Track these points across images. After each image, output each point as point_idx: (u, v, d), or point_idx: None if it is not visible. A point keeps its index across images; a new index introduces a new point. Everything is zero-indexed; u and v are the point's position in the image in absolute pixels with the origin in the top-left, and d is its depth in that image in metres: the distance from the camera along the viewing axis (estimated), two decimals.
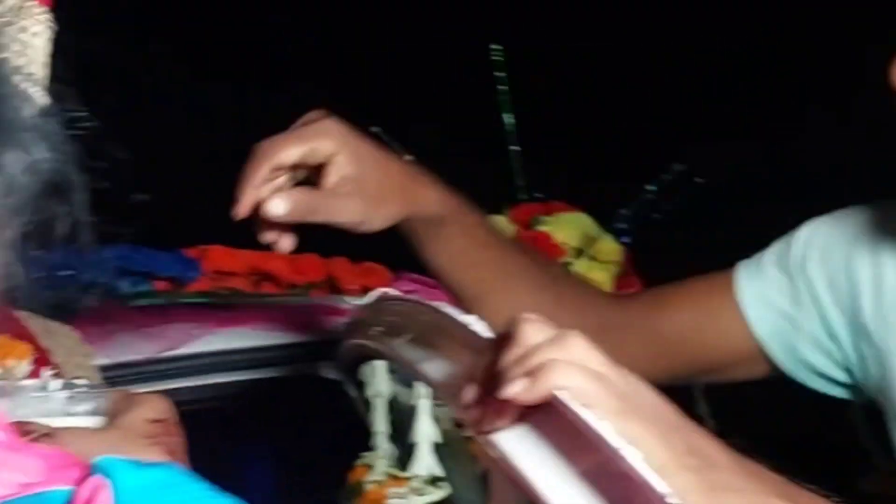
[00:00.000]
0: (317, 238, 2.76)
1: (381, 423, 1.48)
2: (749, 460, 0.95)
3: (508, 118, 2.54)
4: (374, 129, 2.57)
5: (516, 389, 0.87)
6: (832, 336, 1.37)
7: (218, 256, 2.64)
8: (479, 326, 1.03)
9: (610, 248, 2.39)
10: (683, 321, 1.46)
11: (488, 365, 0.94)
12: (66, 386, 1.04)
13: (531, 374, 0.88)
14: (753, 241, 2.75)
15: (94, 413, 1.03)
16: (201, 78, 3.15)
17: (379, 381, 1.49)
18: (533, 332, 0.92)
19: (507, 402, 0.89)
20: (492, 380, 0.93)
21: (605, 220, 2.46)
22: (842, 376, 1.40)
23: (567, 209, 2.48)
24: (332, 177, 1.35)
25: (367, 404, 1.56)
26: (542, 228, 2.41)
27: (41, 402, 1.02)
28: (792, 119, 2.83)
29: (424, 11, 3.20)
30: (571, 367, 0.88)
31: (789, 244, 1.42)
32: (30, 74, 0.83)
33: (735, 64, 3.02)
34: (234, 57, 3.21)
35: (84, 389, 1.04)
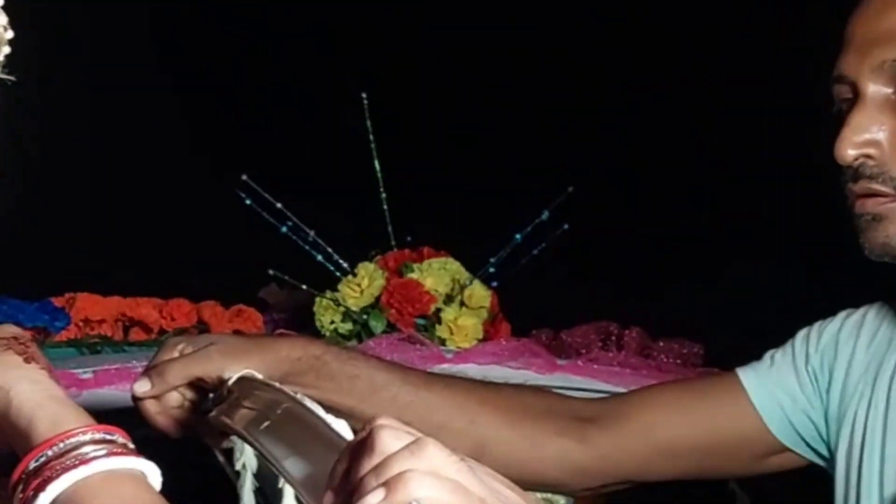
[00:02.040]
0: (187, 282, 2.76)
1: (248, 497, 1.48)
2: None
3: (376, 164, 2.56)
4: (243, 176, 2.58)
5: (372, 502, 0.88)
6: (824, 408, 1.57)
7: (86, 304, 2.61)
8: (338, 425, 1.04)
9: (480, 293, 2.43)
10: (692, 421, 1.59)
11: (345, 471, 0.95)
12: None
13: (387, 484, 0.89)
14: (617, 286, 2.83)
15: None
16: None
17: (246, 454, 1.48)
18: (389, 438, 0.93)
19: None
20: (349, 487, 0.94)
21: (474, 266, 2.50)
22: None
23: (436, 255, 2.50)
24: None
25: (236, 474, 1.55)
26: (412, 275, 2.43)
27: None
28: (662, 173, 2.92)
29: (295, 58, 3.21)
30: (427, 478, 0.89)
31: (793, 345, 1.62)
32: None
33: (601, 114, 3.10)
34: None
35: None
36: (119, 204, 3.22)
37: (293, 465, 1.06)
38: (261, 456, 1.16)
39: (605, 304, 2.52)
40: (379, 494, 0.89)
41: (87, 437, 0.90)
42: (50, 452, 0.88)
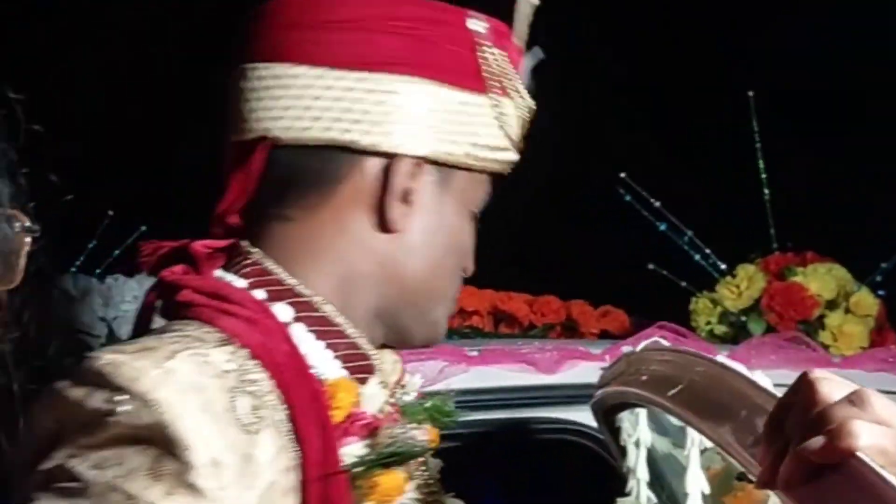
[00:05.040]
0: (556, 280, 2.78)
1: (641, 471, 1.48)
2: None
3: (760, 165, 2.51)
4: (622, 174, 2.59)
5: (816, 447, 0.85)
6: None
7: (463, 295, 2.67)
8: (764, 381, 1.02)
9: (867, 301, 2.33)
10: None
11: (777, 422, 0.92)
12: None
13: (831, 432, 0.86)
14: None
15: None
16: None
17: (641, 428, 1.48)
18: (829, 389, 0.89)
19: (800, 459, 0.87)
20: (783, 436, 0.91)
21: (859, 273, 2.39)
22: None
23: (821, 260, 2.42)
24: None
25: (621, 450, 1.55)
26: (795, 279, 2.36)
27: None
28: None
29: (679, 57, 3.20)
30: (872, 427, 0.85)
31: None
32: None
33: None
34: None
35: None
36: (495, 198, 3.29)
37: (713, 425, 1.04)
38: (678, 418, 1.14)
39: None
40: (820, 441, 0.85)
41: None
42: None
